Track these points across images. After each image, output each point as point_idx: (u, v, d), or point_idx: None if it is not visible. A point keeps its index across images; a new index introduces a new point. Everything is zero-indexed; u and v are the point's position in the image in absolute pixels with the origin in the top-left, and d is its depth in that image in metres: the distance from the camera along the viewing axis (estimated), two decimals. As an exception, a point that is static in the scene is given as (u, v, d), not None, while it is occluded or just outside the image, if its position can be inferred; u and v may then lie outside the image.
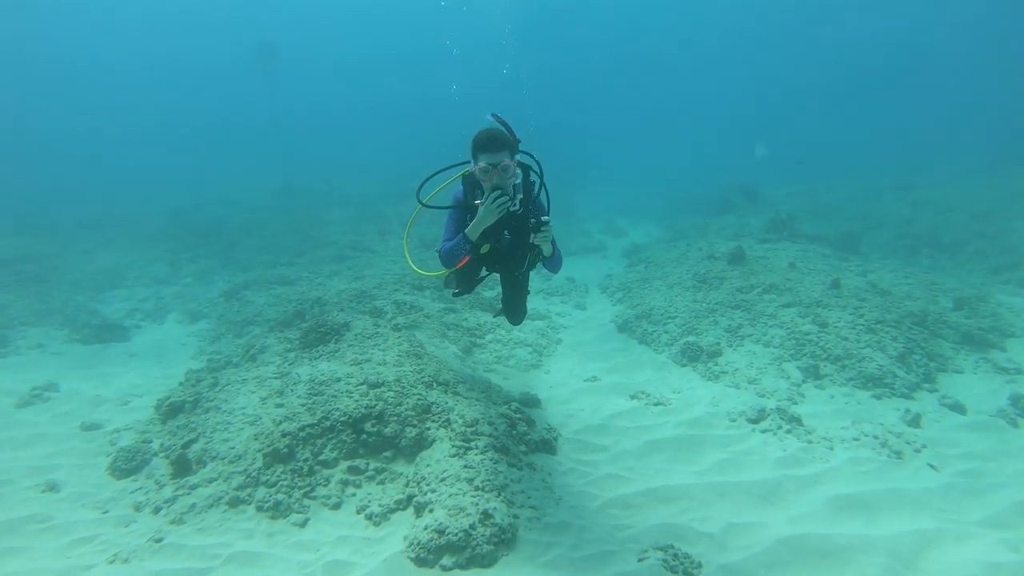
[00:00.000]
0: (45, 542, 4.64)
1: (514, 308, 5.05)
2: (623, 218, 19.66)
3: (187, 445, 5.53)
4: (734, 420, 6.35)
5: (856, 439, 5.94)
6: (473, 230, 3.92)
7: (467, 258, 4.09)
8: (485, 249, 4.10)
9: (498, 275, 4.90)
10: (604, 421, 6.47)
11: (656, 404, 6.83)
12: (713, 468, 5.49)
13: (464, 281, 4.70)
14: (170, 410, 6.50)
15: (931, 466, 5.54)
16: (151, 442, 6.03)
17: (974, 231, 13.96)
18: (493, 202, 3.78)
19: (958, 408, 6.70)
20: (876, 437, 5.94)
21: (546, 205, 4.20)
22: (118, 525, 4.82)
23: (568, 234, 15.52)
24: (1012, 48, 51.34)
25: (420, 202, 4.14)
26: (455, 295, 4.93)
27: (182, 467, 5.27)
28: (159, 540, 4.49)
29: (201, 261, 14.80)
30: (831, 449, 5.79)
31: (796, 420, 6.21)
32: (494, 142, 3.80)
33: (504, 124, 3.92)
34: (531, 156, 4.10)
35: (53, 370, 8.75)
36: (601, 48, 64.16)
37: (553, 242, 4.04)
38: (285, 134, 40.34)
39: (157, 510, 4.89)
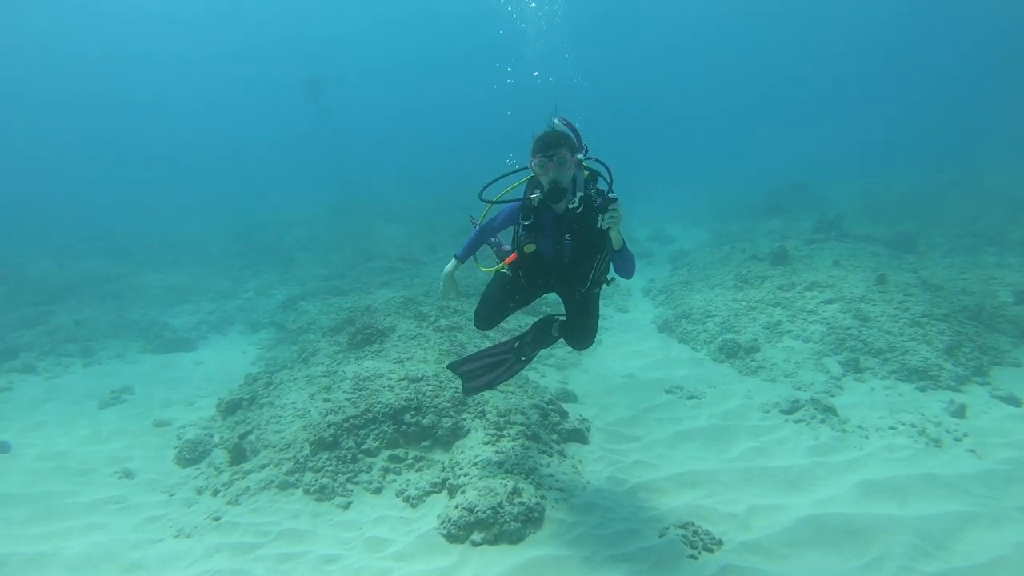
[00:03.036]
0: (121, 520, 5.16)
1: (580, 329, 4.40)
2: (672, 225, 19.66)
3: (243, 436, 5.98)
4: (767, 411, 6.39)
5: (893, 428, 5.89)
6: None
7: (513, 255, 3.97)
8: (530, 248, 3.89)
9: (559, 298, 4.49)
10: (638, 414, 6.60)
11: (690, 398, 6.92)
12: (742, 456, 5.56)
13: (508, 293, 4.36)
14: (229, 407, 7.00)
15: (972, 451, 5.46)
16: (212, 435, 6.53)
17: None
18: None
19: (1011, 400, 6.51)
20: (914, 426, 5.88)
21: None
22: (182, 506, 5.29)
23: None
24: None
25: (481, 199, 4.05)
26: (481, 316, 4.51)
27: (238, 455, 5.71)
28: (217, 518, 4.93)
29: (262, 276, 15.65)
30: (866, 438, 5.77)
31: (831, 411, 6.20)
32: (551, 138, 3.69)
33: (571, 127, 3.83)
34: (601, 163, 3.92)
35: (130, 376, 9.51)
36: (649, 54, 63.66)
37: (628, 247, 3.81)
38: (339, 156, 42.11)
39: (216, 493, 5.33)
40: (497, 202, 4.07)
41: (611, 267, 4.12)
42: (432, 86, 68.12)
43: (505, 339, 4.92)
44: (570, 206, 3.76)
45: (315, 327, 10.15)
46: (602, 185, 3.94)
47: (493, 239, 4.49)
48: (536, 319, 4.79)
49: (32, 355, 10.27)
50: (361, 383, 6.18)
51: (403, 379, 6.11)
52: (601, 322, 10.07)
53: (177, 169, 43.89)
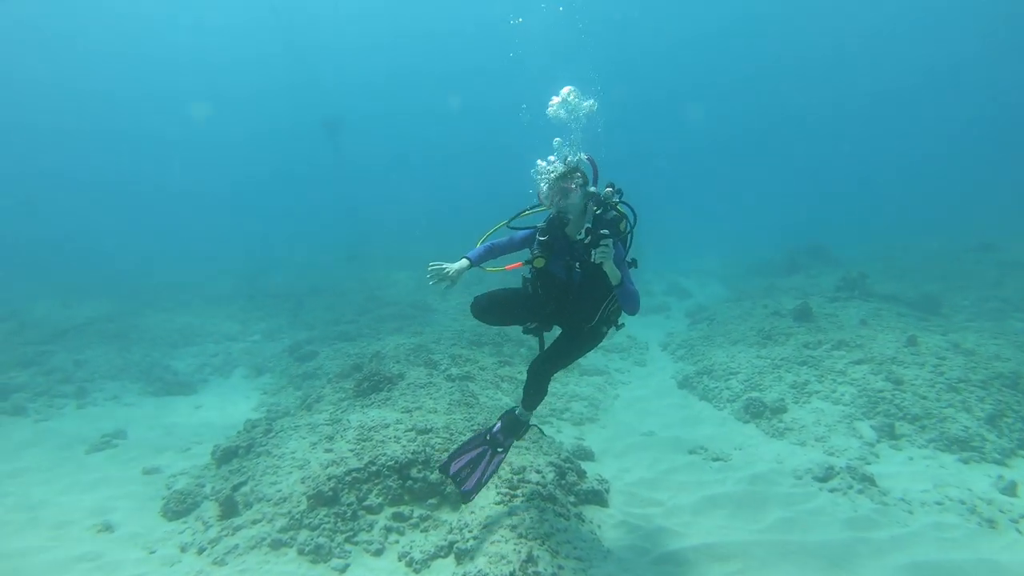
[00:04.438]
0: (93, 580, 4.71)
1: (557, 346, 4.34)
2: (688, 280, 19.33)
3: (236, 488, 5.58)
4: (799, 478, 5.94)
5: (939, 503, 5.42)
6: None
7: (518, 263, 4.21)
8: (539, 263, 4.00)
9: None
10: (659, 475, 6.18)
11: (715, 459, 6.48)
12: (775, 526, 5.10)
13: (520, 301, 4.29)
14: (224, 455, 6.61)
15: (1026, 533, 4.99)
16: (204, 485, 6.12)
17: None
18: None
19: (1062, 478, 6.04)
20: (963, 503, 5.41)
21: (623, 250, 3.96)
22: (163, 565, 4.85)
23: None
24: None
25: (508, 225, 4.26)
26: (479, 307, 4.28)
27: (229, 508, 5.30)
28: (200, 580, 4.49)
29: (270, 320, 15.35)
30: (910, 513, 5.31)
31: (869, 480, 5.74)
32: (559, 170, 3.90)
33: (591, 162, 4.02)
34: (629, 207, 4.11)
35: (124, 420, 9.12)
36: (666, 111, 64.23)
37: (628, 279, 3.84)
38: (352, 200, 42.40)
39: (201, 551, 4.90)
40: (522, 228, 4.25)
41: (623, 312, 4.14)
42: (442, 134, 68.65)
43: (479, 432, 4.78)
44: (577, 237, 3.89)
45: (321, 372, 9.81)
46: (627, 227, 4.10)
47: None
48: (504, 412, 4.70)
49: (24, 396, 9.87)
50: (366, 433, 5.81)
51: (411, 430, 5.73)
52: (619, 375, 9.89)
53: (189, 211, 44.24)
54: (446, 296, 15.71)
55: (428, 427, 5.76)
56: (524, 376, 8.40)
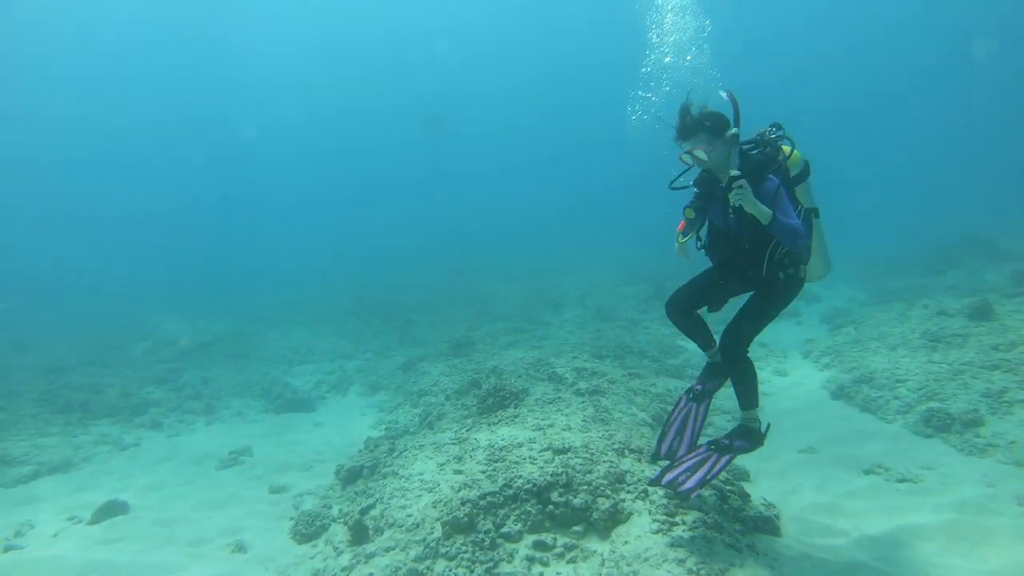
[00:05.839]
0: (230, 603, 4.49)
1: (733, 336, 4.03)
2: (812, 284, 17.79)
3: (364, 511, 5.22)
4: (1027, 505, 4.87)
5: None
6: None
7: (683, 223, 4.10)
8: (689, 214, 3.93)
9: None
10: (834, 499, 5.29)
11: (901, 481, 5.50)
12: (1012, 569, 4.12)
13: (702, 276, 4.25)
14: (349, 475, 6.34)
15: None
16: (330, 507, 5.87)
17: None
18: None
19: None
20: None
21: (775, 183, 3.58)
22: (296, 592, 4.54)
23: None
24: None
25: (670, 188, 4.11)
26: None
27: (359, 533, 4.95)
28: (335, 611, 4.11)
29: (381, 337, 15.36)
30: None
31: None
32: (681, 131, 3.69)
33: (732, 101, 3.69)
34: (789, 139, 3.80)
35: (249, 436, 9.22)
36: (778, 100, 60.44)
37: (782, 212, 3.47)
38: (457, 211, 42.50)
39: (334, 579, 4.54)
40: (680, 188, 4.08)
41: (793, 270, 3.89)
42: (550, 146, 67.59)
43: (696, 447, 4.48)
44: (722, 185, 3.72)
45: (437, 389, 9.48)
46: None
47: None
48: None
49: (160, 411, 10.32)
50: (497, 453, 5.30)
51: (546, 449, 5.17)
52: (760, 387, 8.87)
53: (295, 231, 46.07)
54: (561, 309, 15.23)
55: (566, 446, 5.18)
56: (657, 388, 7.73)
